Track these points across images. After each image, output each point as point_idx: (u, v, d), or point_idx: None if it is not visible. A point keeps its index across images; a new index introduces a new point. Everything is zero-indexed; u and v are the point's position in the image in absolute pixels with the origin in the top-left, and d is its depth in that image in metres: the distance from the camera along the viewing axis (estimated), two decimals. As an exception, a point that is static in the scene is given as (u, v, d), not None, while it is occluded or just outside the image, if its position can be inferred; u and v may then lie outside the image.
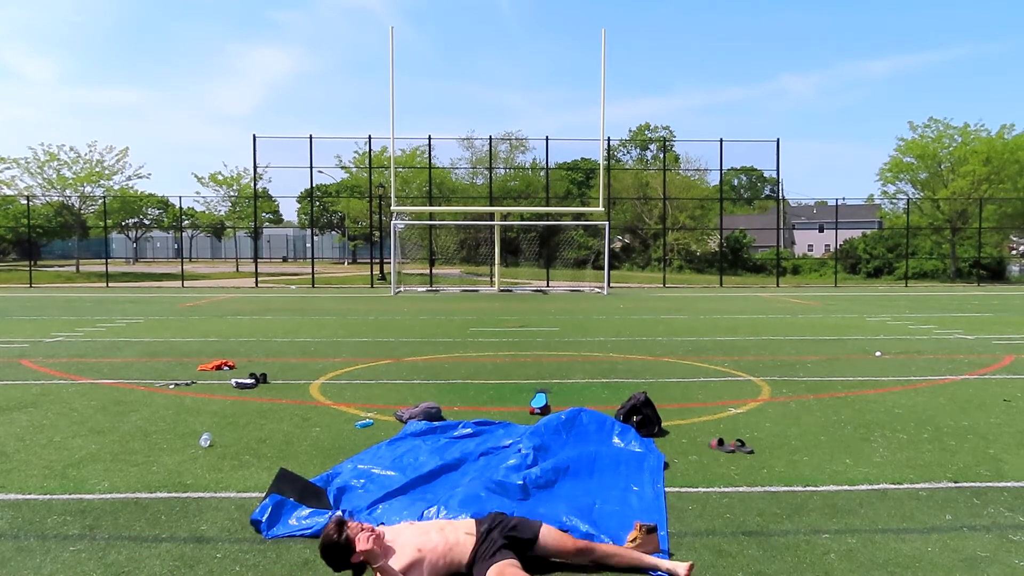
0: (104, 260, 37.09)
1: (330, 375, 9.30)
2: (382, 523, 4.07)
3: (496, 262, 29.77)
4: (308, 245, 55.70)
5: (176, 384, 8.55)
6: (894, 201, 42.79)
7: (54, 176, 39.81)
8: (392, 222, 27.89)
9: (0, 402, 7.61)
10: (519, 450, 5.30)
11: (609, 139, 34.80)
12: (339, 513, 3.75)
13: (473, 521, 3.80)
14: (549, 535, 3.72)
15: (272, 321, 16.45)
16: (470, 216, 35.25)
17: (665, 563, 3.67)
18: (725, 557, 3.83)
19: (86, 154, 40.28)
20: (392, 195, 29.07)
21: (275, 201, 59.88)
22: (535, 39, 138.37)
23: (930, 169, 39.67)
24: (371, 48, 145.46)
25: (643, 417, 6.25)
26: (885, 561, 3.78)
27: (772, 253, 43.79)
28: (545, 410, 7.12)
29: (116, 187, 41.33)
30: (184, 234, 62.38)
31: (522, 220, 39.01)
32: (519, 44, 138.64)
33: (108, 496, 4.75)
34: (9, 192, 40.49)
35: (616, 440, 5.84)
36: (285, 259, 72.80)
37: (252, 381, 8.55)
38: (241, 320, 16.64)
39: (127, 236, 68.15)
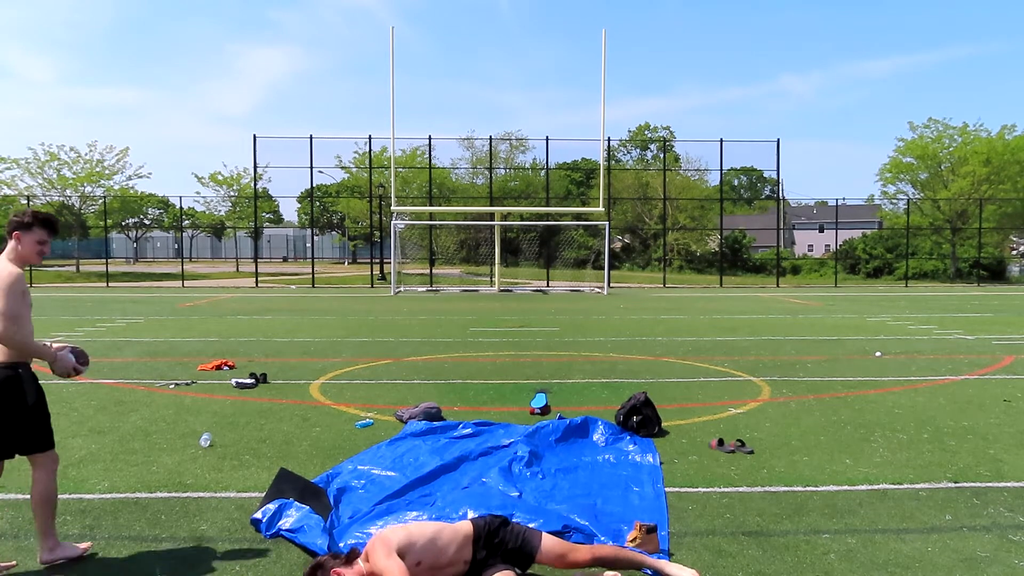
0: (104, 260, 37.10)
1: (330, 375, 9.30)
2: (380, 523, 4.07)
3: (496, 262, 29.77)
4: (308, 245, 55.69)
5: (176, 384, 8.55)
6: (894, 201, 42.83)
7: (54, 176, 39.81)
8: (392, 222, 27.90)
9: (0, 402, 7.61)
10: (517, 452, 5.31)
11: (609, 139, 34.84)
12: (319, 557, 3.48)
13: (471, 527, 3.59)
14: (550, 549, 3.55)
15: (272, 321, 16.45)
16: (470, 216, 35.25)
17: (670, 567, 3.60)
18: (725, 557, 3.83)
19: (86, 154, 40.32)
20: (392, 195, 29.06)
21: (275, 201, 59.86)
22: (535, 39, 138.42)
23: (930, 169, 39.69)
24: (371, 48, 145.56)
25: (643, 417, 6.25)
26: (885, 561, 3.78)
27: (772, 253, 43.79)
28: (545, 410, 7.12)
29: (116, 187, 41.36)
30: (184, 234, 62.32)
31: (522, 220, 39.01)
32: (519, 44, 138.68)
33: (108, 496, 4.75)
34: (9, 192, 40.50)
35: (613, 445, 5.87)
36: (285, 259, 72.78)
37: (252, 381, 8.55)
38: (241, 320, 16.64)
39: (127, 236, 68.16)
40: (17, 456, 3.84)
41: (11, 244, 3.76)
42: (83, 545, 3.91)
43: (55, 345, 3.89)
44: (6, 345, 3.64)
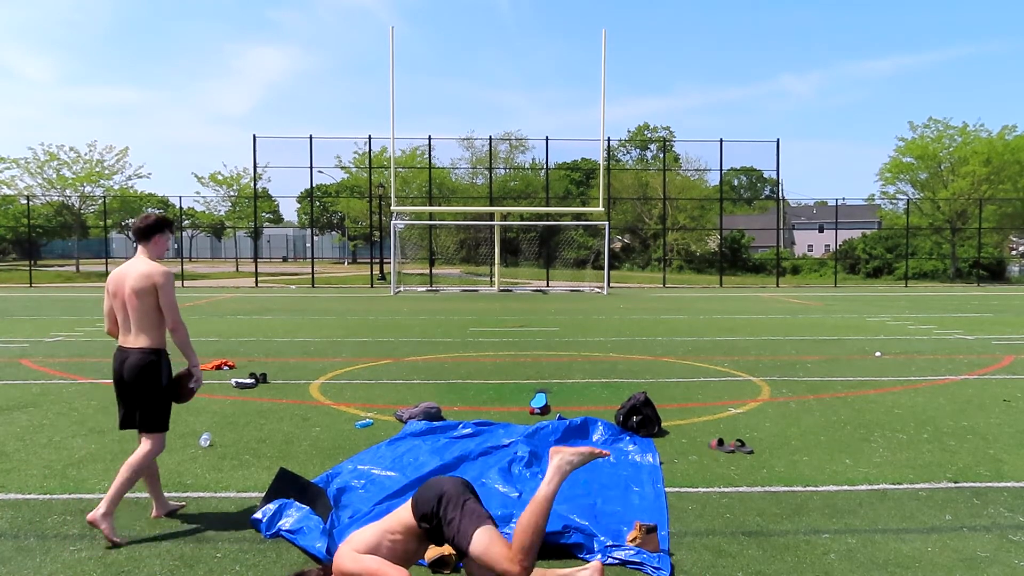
0: (104, 260, 37.10)
1: (330, 375, 9.30)
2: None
3: (496, 262, 29.78)
4: (308, 245, 55.67)
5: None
6: (894, 201, 42.88)
7: (54, 176, 39.88)
8: (392, 222, 27.90)
9: (0, 402, 7.61)
10: (517, 452, 5.31)
11: (609, 139, 34.85)
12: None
13: (412, 518, 3.26)
14: (474, 553, 3.10)
15: (272, 321, 16.45)
16: (470, 216, 35.25)
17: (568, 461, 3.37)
18: (725, 557, 3.83)
19: (86, 154, 40.41)
20: (392, 195, 29.07)
21: (275, 201, 59.92)
22: (535, 39, 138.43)
23: (930, 169, 39.71)
24: (370, 48, 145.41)
25: (643, 417, 6.24)
26: (885, 561, 3.78)
27: (772, 253, 43.79)
28: (545, 410, 7.12)
29: (116, 187, 41.38)
30: (184, 234, 62.33)
31: (522, 220, 39.03)
32: (519, 44, 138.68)
33: (108, 496, 4.74)
34: (9, 192, 40.54)
35: (613, 444, 5.88)
36: (285, 259, 72.75)
37: (252, 381, 8.55)
38: (241, 320, 16.63)
39: (127, 236, 68.09)
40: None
41: (145, 245, 4.34)
42: (119, 538, 4.05)
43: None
44: (176, 333, 4.27)
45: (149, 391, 4.25)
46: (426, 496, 3.28)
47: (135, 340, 4.24)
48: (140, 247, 4.35)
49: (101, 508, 4.03)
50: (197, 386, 4.44)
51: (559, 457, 3.39)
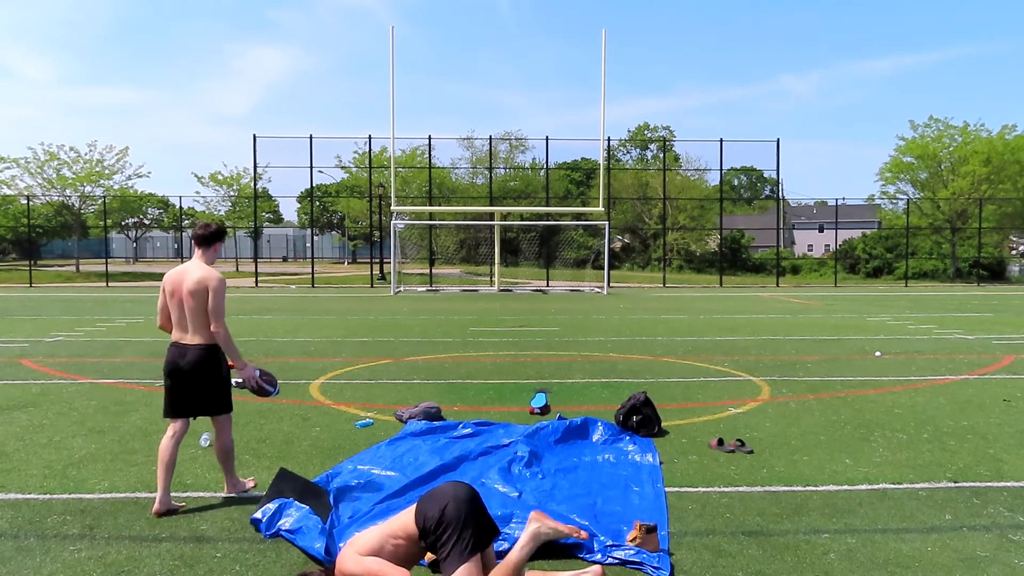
0: (104, 260, 37.10)
1: (330, 375, 9.30)
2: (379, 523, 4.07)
3: (496, 262, 29.78)
4: (308, 245, 55.68)
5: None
6: (894, 201, 42.89)
7: (54, 176, 39.84)
8: (392, 222, 27.90)
9: (0, 402, 7.61)
10: (517, 452, 5.30)
11: (609, 139, 34.84)
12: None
13: (415, 528, 3.33)
14: None
15: (272, 321, 16.45)
16: (470, 216, 35.26)
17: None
18: (725, 557, 3.83)
19: (86, 154, 40.35)
20: (392, 195, 29.07)
21: (275, 201, 59.87)
22: (535, 39, 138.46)
23: (930, 169, 39.72)
24: (370, 48, 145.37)
25: (643, 417, 6.24)
26: (885, 561, 3.78)
27: (772, 253, 43.80)
28: (545, 410, 7.12)
29: (116, 187, 41.36)
30: (184, 234, 62.25)
31: (522, 220, 39.04)
32: (519, 44, 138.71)
33: (108, 496, 4.75)
34: (9, 192, 40.52)
35: (613, 444, 5.88)
36: (285, 259, 72.72)
37: (252, 381, 8.53)
38: (241, 320, 16.63)
39: (127, 236, 68.09)
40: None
41: (204, 251, 4.72)
42: (250, 481, 4.93)
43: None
44: (218, 340, 4.62)
45: (212, 381, 4.67)
46: (429, 508, 3.30)
47: (192, 337, 4.62)
48: (198, 251, 4.72)
49: (227, 483, 4.77)
50: (248, 385, 4.83)
51: (538, 526, 3.44)
